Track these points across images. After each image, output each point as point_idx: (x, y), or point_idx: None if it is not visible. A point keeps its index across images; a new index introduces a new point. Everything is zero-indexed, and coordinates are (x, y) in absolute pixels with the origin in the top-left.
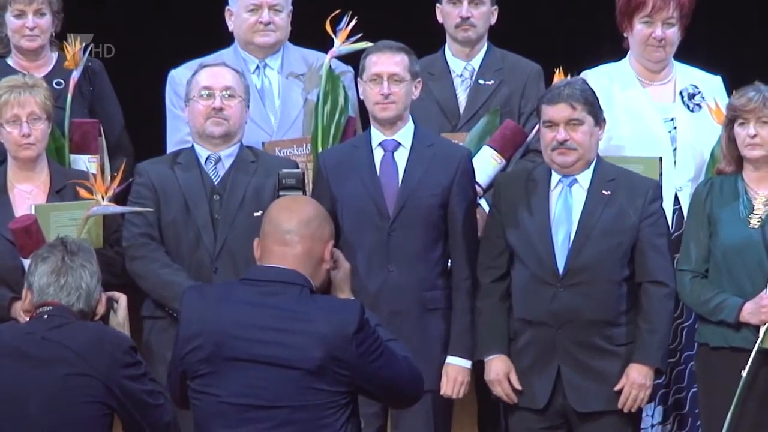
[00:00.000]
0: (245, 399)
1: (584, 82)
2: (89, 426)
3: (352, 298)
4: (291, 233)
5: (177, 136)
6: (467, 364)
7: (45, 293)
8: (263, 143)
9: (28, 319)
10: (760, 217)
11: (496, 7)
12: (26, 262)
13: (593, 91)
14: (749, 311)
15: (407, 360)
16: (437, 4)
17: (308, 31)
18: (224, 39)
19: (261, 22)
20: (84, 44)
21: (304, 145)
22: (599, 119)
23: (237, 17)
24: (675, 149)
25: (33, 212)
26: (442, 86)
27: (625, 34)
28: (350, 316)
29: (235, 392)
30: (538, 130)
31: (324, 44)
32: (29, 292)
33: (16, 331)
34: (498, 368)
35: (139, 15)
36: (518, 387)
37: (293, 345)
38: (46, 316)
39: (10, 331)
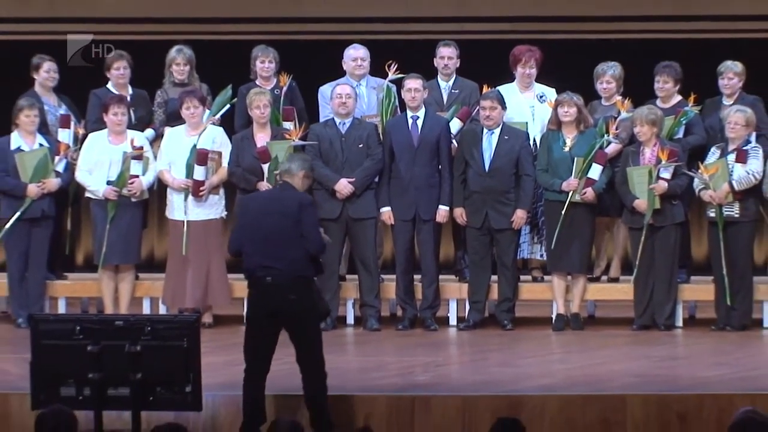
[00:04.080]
0: None
1: (499, 92)
2: (293, 234)
3: None
4: None
5: (323, 114)
6: (447, 208)
7: (280, 176)
8: (362, 116)
9: (270, 188)
10: (569, 147)
11: (458, 60)
12: (264, 166)
13: (502, 95)
14: (564, 186)
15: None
16: (434, 58)
17: (377, 69)
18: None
19: (357, 65)
20: (291, 76)
21: (378, 117)
22: (504, 107)
23: (347, 63)
24: (534, 120)
25: (266, 145)
26: (437, 93)
27: (513, 72)
28: None
29: None
30: (478, 110)
31: (383, 74)
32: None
33: (266, 192)
34: (459, 211)
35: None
36: (465, 219)
37: None
38: (278, 187)
39: (264, 193)
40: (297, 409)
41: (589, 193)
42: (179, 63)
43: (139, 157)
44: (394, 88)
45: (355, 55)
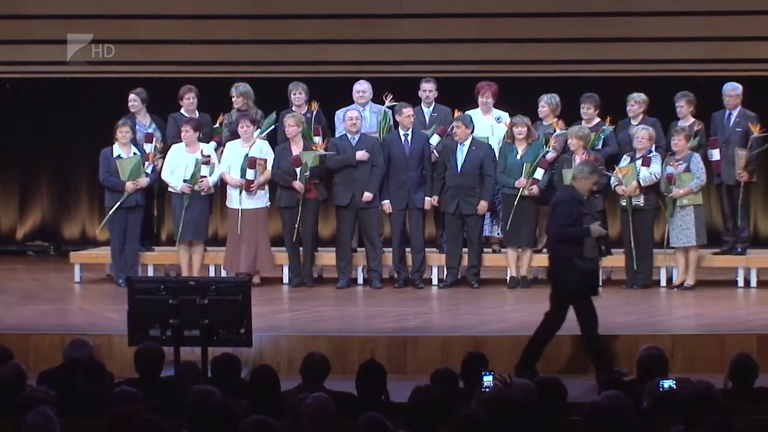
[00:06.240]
0: None
1: (468, 115)
2: (551, 224)
3: None
4: None
5: (338, 131)
6: (430, 199)
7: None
8: (366, 133)
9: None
10: (520, 156)
11: (437, 92)
12: (297, 169)
13: (470, 118)
14: (516, 183)
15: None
16: (419, 91)
17: (377, 98)
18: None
19: (360, 96)
20: (318, 104)
21: (379, 134)
22: (470, 126)
23: (355, 94)
24: (493, 135)
25: (298, 154)
26: (421, 117)
27: (477, 101)
28: None
29: None
30: (452, 128)
31: (381, 102)
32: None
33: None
34: (435, 198)
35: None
36: (439, 205)
37: None
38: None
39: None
40: (320, 347)
41: (535, 188)
42: (233, 95)
43: (207, 163)
44: (389, 112)
45: (360, 89)
